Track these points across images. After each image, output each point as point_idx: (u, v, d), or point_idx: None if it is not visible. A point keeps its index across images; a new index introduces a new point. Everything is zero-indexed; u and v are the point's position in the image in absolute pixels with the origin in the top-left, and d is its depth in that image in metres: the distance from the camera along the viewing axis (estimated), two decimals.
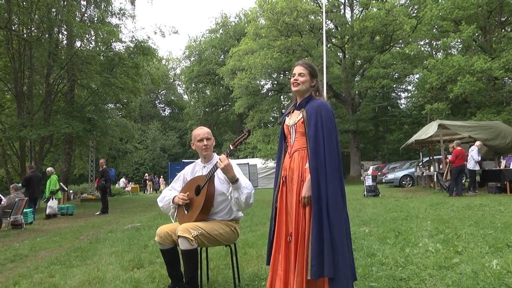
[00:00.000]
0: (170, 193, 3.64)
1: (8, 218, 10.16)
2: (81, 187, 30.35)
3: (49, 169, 14.94)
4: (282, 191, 2.94)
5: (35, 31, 19.25)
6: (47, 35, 19.23)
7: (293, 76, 2.94)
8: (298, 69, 2.92)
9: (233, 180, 3.19)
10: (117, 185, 34.19)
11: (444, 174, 13.80)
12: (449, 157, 13.27)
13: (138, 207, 16.93)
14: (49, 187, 14.13)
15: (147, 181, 37.14)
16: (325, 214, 2.60)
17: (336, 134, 2.77)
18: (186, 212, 3.47)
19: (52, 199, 13.50)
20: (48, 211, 13.07)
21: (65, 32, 20.78)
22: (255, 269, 4.16)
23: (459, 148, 12.52)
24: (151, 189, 36.17)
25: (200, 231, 3.19)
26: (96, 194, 20.53)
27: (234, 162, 3.38)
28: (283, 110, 38.25)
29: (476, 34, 22.68)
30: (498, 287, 3.04)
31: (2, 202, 10.38)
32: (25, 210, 10.99)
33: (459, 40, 23.75)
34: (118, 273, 4.46)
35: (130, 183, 38.52)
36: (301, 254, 2.67)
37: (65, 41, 21.68)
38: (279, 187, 2.99)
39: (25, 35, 18.53)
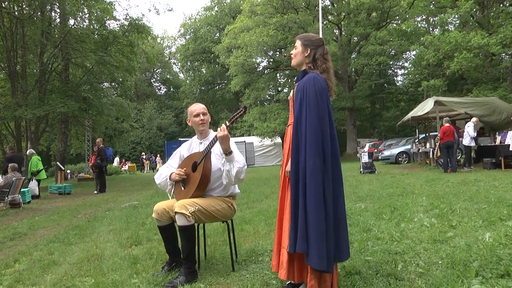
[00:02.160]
0: (167, 170, 3.65)
1: (6, 198, 10.20)
2: (78, 166, 30.44)
3: (29, 151, 14.69)
4: (283, 165, 2.97)
5: (27, 8, 18.93)
6: (39, 13, 18.93)
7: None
8: (295, 43, 2.94)
9: (227, 152, 3.18)
10: (113, 164, 34.19)
11: (435, 152, 13.90)
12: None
13: (136, 185, 17.00)
14: (30, 168, 13.81)
15: (144, 160, 37.11)
16: (302, 190, 2.58)
17: (322, 109, 2.64)
18: (183, 189, 3.49)
19: (32, 180, 13.39)
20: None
21: (58, 10, 20.46)
22: (252, 245, 4.22)
23: (446, 125, 12.56)
24: (148, 167, 36.21)
25: (197, 207, 3.21)
26: (91, 173, 20.46)
27: (231, 140, 3.39)
28: (279, 88, 38.16)
29: (474, 9, 22.47)
30: (490, 258, 3.09)
31: (0, 182, 10.40)
32: (22, 190, 11.02)
33: (456, 16, 23.53)
34: (117, 250, 4.52)
35: (127, 162, 38.50)
36: (286, 226, 2.72)
37: (58, 19, 21.36)
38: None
39: (16, 13, 18.22)
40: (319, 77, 2.74)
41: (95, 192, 14.21)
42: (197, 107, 3.55)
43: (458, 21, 26.42)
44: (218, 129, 3.12)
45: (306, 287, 2.66)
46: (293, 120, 2.76)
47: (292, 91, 3.02)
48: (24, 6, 19.00)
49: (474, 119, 13.05)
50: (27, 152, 14.52)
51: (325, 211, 2.55)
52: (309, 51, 2.85)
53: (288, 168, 2.73)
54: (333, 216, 2.61)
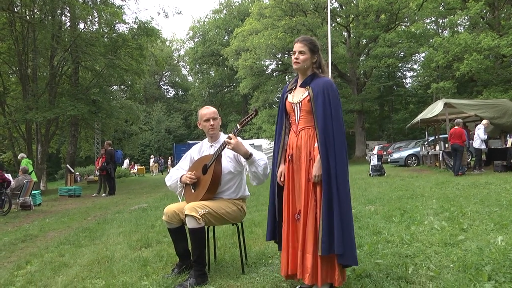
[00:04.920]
0: (178, 172, 3.66)
1: (17, 200, 10.30)
2: (88, 169, 30.54)
3: (20, 155, 14.73)
4: (288, 170, 2.91)
5: (38, 13, 19.13)
6: (50, 17, 19.10)
7: (294, 54, 2.89)
8: (298, 47, 2.86)
9: (247, 156, 3.19)
10: (122, 167, 34.28)
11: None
12: None
13: (145, 188, 17.08)
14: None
15: (154, 163, 37.08)
16: (335, 192, 2.64)
17: (341, 112, 2.80)
18: (193, 191, 3.50)
19: None
20: None
21: (68, 14, 20.63)
22: (261, 248, 4.21)
23: (456, 127, 12.41)
24: (157, 170, 36.22)
25: (207, 210, 3.22)
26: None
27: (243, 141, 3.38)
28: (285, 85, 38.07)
29: (484, 11, 22.33)
30: (503, 262, 3.06)
31: (11, 184, 10.50)
32: (33, 192, 11.12)
33: (466, 18, 23.40)
34: (127, 252, 4.54)
35: (136, 164, 38.57)
36: (310, 231, 2.69)
37: (68, 23, 21.54)
38: (280, 164, 2.98)
39: (28, 17, 18.40)
40: (332, 81, 2.83)
41: (95, 194, 14.29)
42: (208, 111, 3.55)
43: (467, 23, 26.23)
44: (226, 141, 3.13)
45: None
46: (319, 124, 2.73)
47: (288, 93, 2.99)
48: (35, 11, 19.20)
49: (484, 121, 12.93)
50: (19, 156, 14.57)
51: (351, 209, 2.77)
52: (316, 58, 2.88)
53: (316, 172, 2.71)
54: None
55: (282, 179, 2.94)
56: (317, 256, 2.65)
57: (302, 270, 2.72)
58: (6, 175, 10.82)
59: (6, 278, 3.96)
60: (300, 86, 2.92)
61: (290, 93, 2.98)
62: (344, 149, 2.74)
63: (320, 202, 2.69)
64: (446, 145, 15.32)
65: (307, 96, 2.83)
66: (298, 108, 2.88)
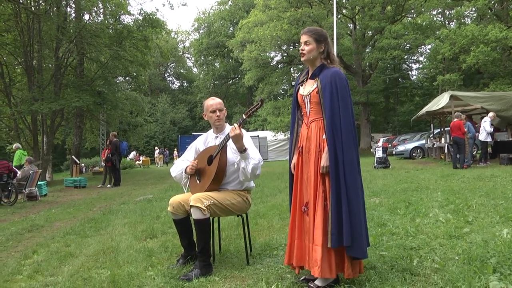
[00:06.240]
0: (183, 163, 3.67)
1: (24, 190, 10.37)
2: (93, 160, 30.65)
3: (15, 145, 14.73)
4: (298, 161, 2.92)
5: (43, 4, 19.15)
6: (55, 8, 19.12)
7: (300, 46, 2.91)
8: (303, 38, 2.87)
9: (241, 150, 3.21)
10: (128, 158, 34.35)
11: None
12: None
13: (150, 179, 17.14)
14: (14, 162, 13.64)
15: (158, 154, 37.12)
16: (343, 183, 2.62)
17: (350, 102, 2.77)
18: (198, 182, 3.51)
19: None
20: None
21: (73, 5, 20.68)
22: (266, 239, 4.22)
23: (453, 120, 12.33)
24: (162, 161, 36.28)
25: (212, 201, 3.23)
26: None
27: (247, 134, 3.38)
28: (293, 83, 37.99)
29: (492, 1, 22.07)
30: (508, 255, 3.05)
31: (17, 175, 10.57)
32: (39, 183, 11.19)
33: (473, 9, 23.17)
34: (132, 243, 4.56)
35: (141, 156, 38.65)
36: (319, 223, 2.68)
37: (74, 14, 21.57)
38: (294, 156, 2.99)
39: (33, 8, 18.43)
40: (341, 72, 2.81)
41: (100, 185, 14.34)
42: (214, 102, 3.54)
43: (475, 14, 26.00)
44: (231, 128, 3.15)
45: (321, 280, 2.72)
46: (326, 115, 2.73)
47: (300, 86, 2.99)
48: (40, 2, 19.23)
49: (491, 114, 12.84)
50: (14, 146, 14.58)
51: (360, 200, 2.73)
52: (323, 47, 2.86)
53: (324, 163, 2.71)
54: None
55: (294, 171, 2.95)
56: (327, 248, 2.63)
57: (311, 262, 2.70)
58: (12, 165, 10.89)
59: (13, 267, 4.00)
60: (310, 78, 2.92)
61: (301, 86, 2.99)
62: (352, 139, 2.70)
63: (329, 193, 2.68)
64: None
65: (315, 88, 2.82)
66: (308, 100, 2.88)
